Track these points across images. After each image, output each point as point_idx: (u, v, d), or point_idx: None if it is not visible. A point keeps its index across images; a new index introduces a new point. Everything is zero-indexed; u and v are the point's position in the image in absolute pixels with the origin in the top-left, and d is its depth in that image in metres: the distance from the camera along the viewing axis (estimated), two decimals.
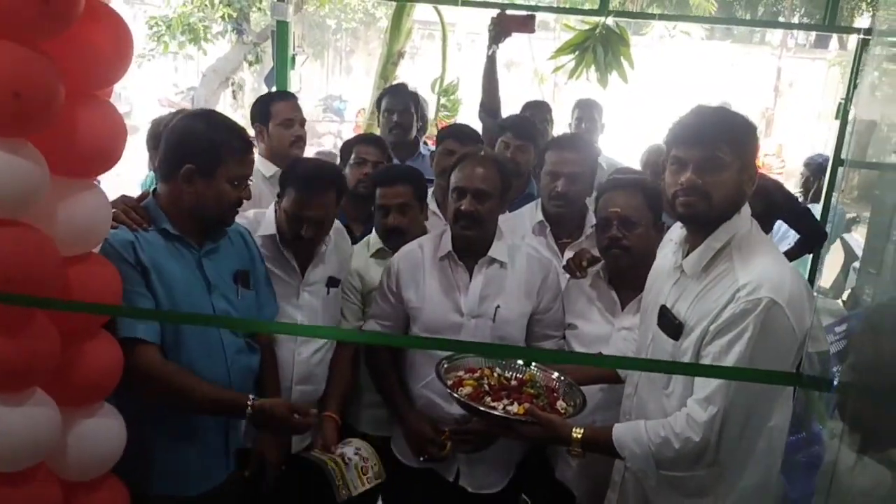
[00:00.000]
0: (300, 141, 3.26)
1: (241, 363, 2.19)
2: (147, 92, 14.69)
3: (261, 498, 2.32)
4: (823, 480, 1.80)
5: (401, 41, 6.12)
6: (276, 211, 2.49)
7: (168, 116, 2.90)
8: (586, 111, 4.46)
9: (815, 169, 5.30)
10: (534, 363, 2.29)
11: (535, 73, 11.44)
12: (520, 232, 2.79)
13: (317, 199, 2.38)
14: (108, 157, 1.78)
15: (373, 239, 2.74)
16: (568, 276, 2.55)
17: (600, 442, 1.93)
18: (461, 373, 2.23)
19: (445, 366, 2.23)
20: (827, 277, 6.01)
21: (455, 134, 3.36)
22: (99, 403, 1.90)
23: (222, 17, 9.06)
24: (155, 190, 2.14)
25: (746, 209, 1.87)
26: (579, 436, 1.94)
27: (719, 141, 1.79)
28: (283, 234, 2.44)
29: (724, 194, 1.80)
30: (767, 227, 2.98)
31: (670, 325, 1.89)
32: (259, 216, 2.53)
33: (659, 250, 2.17)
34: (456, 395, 2.10)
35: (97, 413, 1.89)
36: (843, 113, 3.88)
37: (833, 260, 5.96)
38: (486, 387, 2.16)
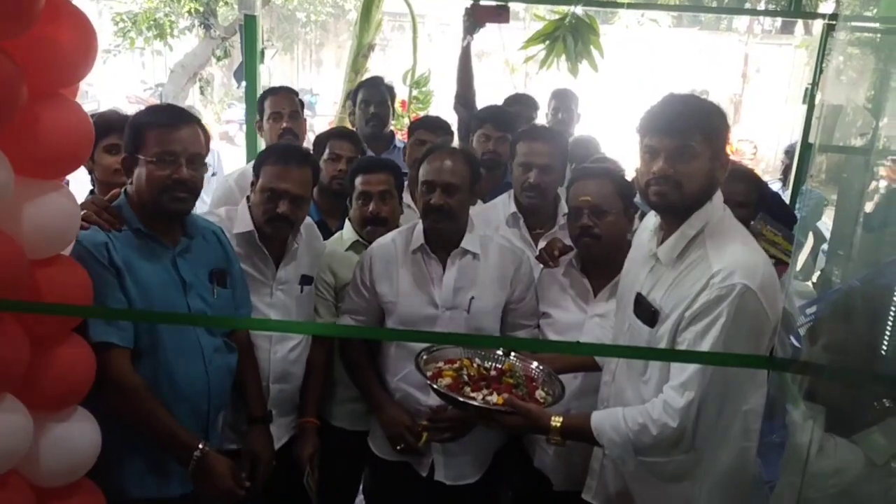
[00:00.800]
0: (288, 133, 3.24)
1: (219, 363, 2.18)
2: (114, 89, 14.50)
3: (254, 498, 2.31)
4: (794, 461, 1.83)
5: (371, 33, 6.07)
6: (249, 207, 2.46)
7: (99, 114, 2.82)
8: (563, 101, 4.44)
9: (791, 155, 5.36)
10: (513, 353, 2.30)
11: (505, 63, 11.44)
12: (493, 223, 2.80)
13: (294, 172, 2.36)
14: (75, 156, 1.76)
15: (346, 233, 2.72)
16: (541, 265, 2.56)
17: (579, 430, 1.95)
18: (440, 364, 2.23)
19: (424, 357, 2.22)
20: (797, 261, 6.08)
21: (426, 125, 3.36)
22: (72, 408, 1.88)
23: (189, 12, 8.94)
24: (125, 188, 2.10)
25: (719, 196, 1.89)
26: (558, 424, 1.95)
27: (690, 130, 1.80)
28: (260, 228, 2.41)
29: (696, 183, 1.82)
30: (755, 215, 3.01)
31: (646, 312, 1.91)
32: (231, 213, 2.50)
33: (634, 238, 2.19)
34: (435, 386, 2.10)
35: (70, 418, 1.86)
36: (809, 98, 3.92)
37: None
38: (466, 377, 2.16)
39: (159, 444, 2.04)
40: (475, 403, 2.04)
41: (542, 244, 2.74)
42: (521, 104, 4.10)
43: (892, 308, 1.69)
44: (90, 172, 2.72)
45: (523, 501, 2.68)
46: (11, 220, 1.65)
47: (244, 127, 4.31)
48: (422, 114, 5.98)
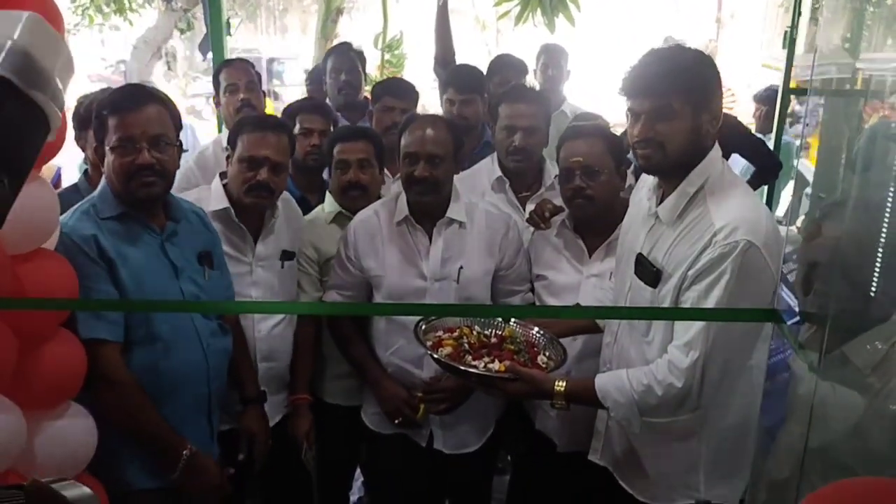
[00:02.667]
0: (246, 106, 3.12)
1: (217, 346, 2.14)
2: (76, 68, 14.15)
3: (252, 477, 2.30)
4: (798, 411, 1.84)
5: None
6: (224, 184, 2.40)
7: (95, 94, 2.76)
8: (552, 57, 4.23)
9: (766, 101, 5.35)
10: (513, 319, 2.28)
11: (476, 19, 11.29)
12: (479, 189, 2.75)
13: (271, 138, 2.32)
14: (50, 145, 1.68)
15: (328, 206, 2.67)
16: (532, 228, 2.52)
17: (583, 394, 1.93)
18: (440, 333, 2.20)
19: (423, 327, 2.19)
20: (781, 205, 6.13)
21: (391, 90, 3.25)
22: (66, 404, 1.84)
23: None
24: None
25: (716, 151, 1.84)
26: (562, 389, 1.93)
27: (668, 90, 1.75)
28: (237, 203, 2.36)
29: (678, 142, 1.78)
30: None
31: (647, 272, 1.88)
32: (203, 193, 2.44)
33: (632, 197, 2.15)
34: (436, 356, 2.08)
35: (65, 414, 1.82)
36: (789, 42, 3.89)
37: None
38: (467, 346, 2.14)
39: (146, 444, 2.01)
40: (477, 371, 2.02)
41: (529, 207, 2.70)
42: (509, 68, 3.83)
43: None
44: (84, 151, 2.70)
45: (526, 465, 2.68)
46: None
47: (210, 100, 4.21)
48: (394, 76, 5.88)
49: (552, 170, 2.74)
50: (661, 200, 1.89)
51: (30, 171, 0.71)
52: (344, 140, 2.63)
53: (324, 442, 2.59)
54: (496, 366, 2.04)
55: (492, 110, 2.89)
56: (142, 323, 1.97)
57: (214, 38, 3.94)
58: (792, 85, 4.02)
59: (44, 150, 1.65)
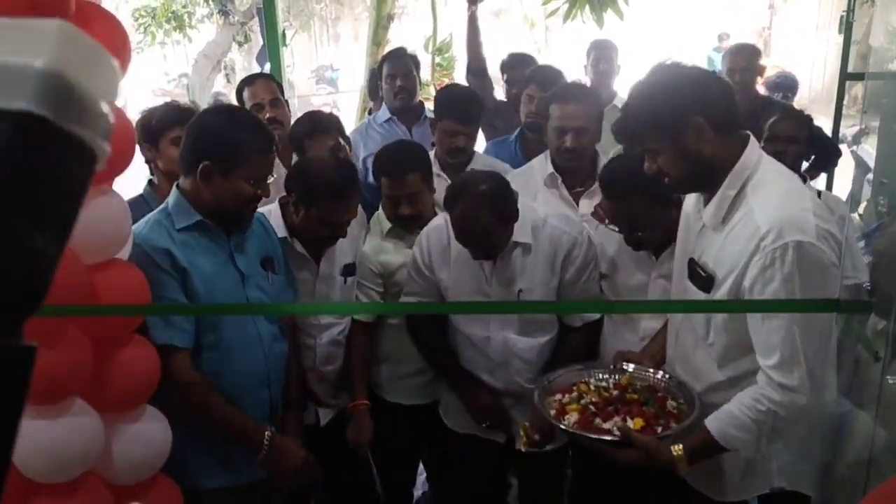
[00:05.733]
0: (273, 123, 3.04)
1: (276, 351, 2.21)
2: (139, 83, 14.59)
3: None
4: (867, 396, 1.81)
5: (389, 3, 6.04)
6: (285, 213, 2.43)
7: (160, 108, 2.86)
8: (603, 52, 4.17)
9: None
10: (625, 363, 2.17)
11: (524, 18, 11.26)
12: (531, 186, 2.76)
13: (353, 201, 2.38)
14: (120, 159, 1.77)
15: (383, 219, 2.64)
16: (596, 223, 2.50)
17: (703, 448, 1.84)
18: (559, 396, 2.10)
19: (541, 394, 2.11)
20: (841, 193, 5.97)
21: (454, 113, 3.06)
22: (141, 407, 1.92)
23: (205, 1, 8.95)
24: (177, 183, 2.10)
25: (752, 148, 1.81)
26: (681, 453, 1.83)
27: (642, 135, 1.81)
28: (299, 234, 2.40)
29: (678, 168, 1.80)
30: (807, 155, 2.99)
31: (699, 278, 1.86)
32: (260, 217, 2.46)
33: (684, 204, 2.11)
34: (564, 426, 1.97)
35: (140, 417, 1.90)
36: (846, 26, 3.80)
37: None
38: (591, 407, 2.02)
39: (228, 437, 2.09)
40: (608, 438, 1.89)
41: (583, 202, 2.71)
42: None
43: None
44: (148, 162, 2.78)
45: (587, 462, 2.67)
46: None
47: None
48: (447, 80, 5.92)
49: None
50: (706, 203, 1.88)
51: (77, 217, 0.57)
52: (391, 174, 2.55)
53: (387, 439, 2.64)
54: (631, 424, 1.92)
55: (541, 109, 2.89)
56: (209, 329, 2.04)
57: (271, 50, 4.04)
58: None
59: (115, 162, 1.74)
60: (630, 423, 1.91)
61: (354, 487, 2.73)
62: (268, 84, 3.20)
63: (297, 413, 2.39)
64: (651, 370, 2.12)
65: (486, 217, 2.23)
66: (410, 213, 2.55)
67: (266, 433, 2.07)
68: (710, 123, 1.74)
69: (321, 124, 2.87)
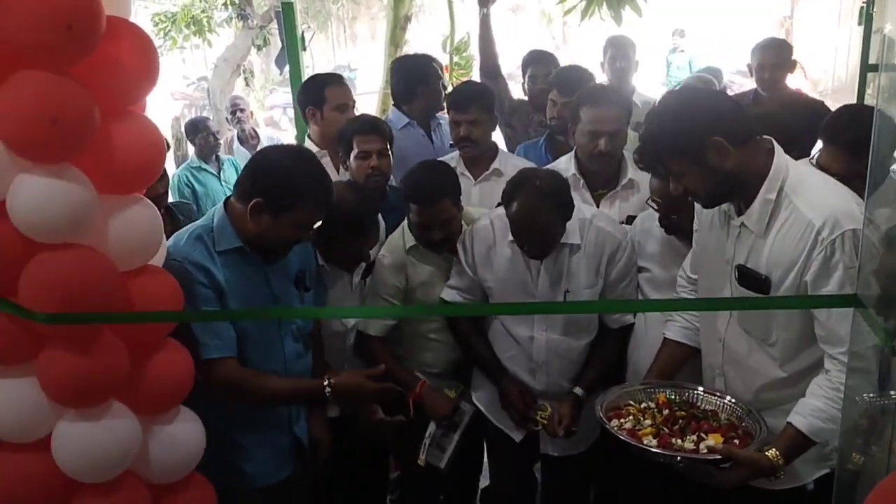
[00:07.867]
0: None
1: (298, 368, 2.26)
2: (159, 87, 14.70)
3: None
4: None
5: (406, 4, 6.06)
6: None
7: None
8: (620, 49, 4.13)
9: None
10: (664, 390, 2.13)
11: (542, 13, 11.23)
12: None
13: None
14: (151, 168, 1.82)
15: (408, 238, 2.59)
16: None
17: (796, 447, 1.85)
18: (614, 422, 2.03)
19: (604, 413, 2.05)
20: None
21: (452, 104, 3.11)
22: (176, 408, 1.96)
23: (224, 5, 9.01)
24: (227, 202, 2.12)
25: (778, 149, 1.85)
26: (779, 458, 1.82)
27: (664, 159, 1.85)
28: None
29: (704, 186, 1.85)
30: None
31: (755, 281, 1.88)
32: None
33: (696, 209, 2.13)
34: (640, 444, 1.92)
35: (175, 418, 1.95)
36: (866, 17, 3.77)
37: None
38: (665, 428, 1.98)
39: (293, 402, 2.24)
40: (712, 457, 1.84)
41: (604, 205, 2.73)
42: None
43: None
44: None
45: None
46: (100, 236, 1.72)
47: (287, 111, 4.33)
48: (465, 80, 5.92)
49: (630, 167, 2.73)
50: (739, 210, 1.91)
51: None
52: (422, 203, 2.46)
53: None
54: (710, 441, 1.89)
55: (564, 113, 2.89)
56: (237, 344, 2.09)
57: (291, 53, 4.07)
58: None
59: (145, 172, 1.79)
60: (709, 441, 1.88)
61: (424, 476, 2.74)
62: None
63: (322, 416, 2.44)
64: (699, 387, 2.10)
65: (547, 212, 2.24)
66: (442, 238, 2.51)
67: (325, 381, 2.13)
68: (729, 140, 1.79)
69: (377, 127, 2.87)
